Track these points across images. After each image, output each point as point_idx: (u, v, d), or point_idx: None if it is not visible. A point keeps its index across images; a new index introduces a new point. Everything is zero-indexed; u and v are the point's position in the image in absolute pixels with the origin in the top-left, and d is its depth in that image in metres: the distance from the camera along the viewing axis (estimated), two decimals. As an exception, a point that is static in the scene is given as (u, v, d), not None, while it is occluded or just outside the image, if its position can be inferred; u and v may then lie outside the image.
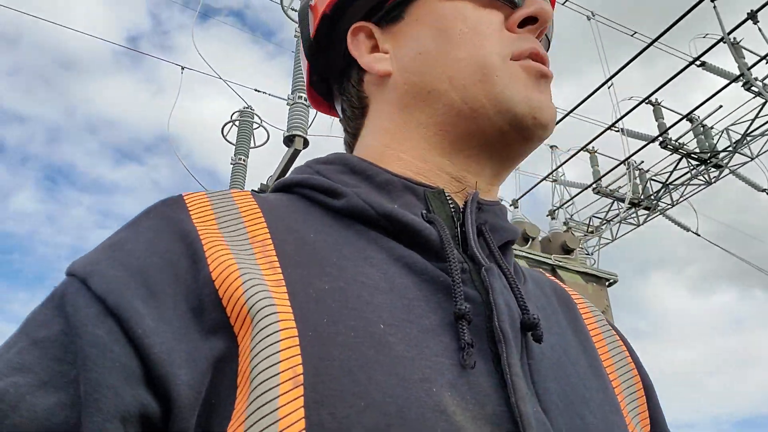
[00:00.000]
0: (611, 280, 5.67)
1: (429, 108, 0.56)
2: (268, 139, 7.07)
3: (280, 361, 0.37)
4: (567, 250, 5.58)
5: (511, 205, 6.79)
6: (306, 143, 5.18)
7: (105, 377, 0.36)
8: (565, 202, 9.25)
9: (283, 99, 5.58)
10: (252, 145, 6.65)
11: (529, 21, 0.57)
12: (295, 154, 5.10)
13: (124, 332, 0.37)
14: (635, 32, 8.83)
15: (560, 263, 5.36)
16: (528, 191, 7.29)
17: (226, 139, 6.67)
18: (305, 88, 0.71)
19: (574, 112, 7.47)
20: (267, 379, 0.37)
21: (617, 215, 8.93)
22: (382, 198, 0.51)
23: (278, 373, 0.37)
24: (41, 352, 0.37)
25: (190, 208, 0.47)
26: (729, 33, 6.54)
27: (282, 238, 0.46)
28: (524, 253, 5.28)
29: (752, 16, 6.26)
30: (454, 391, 0.40)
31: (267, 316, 0.39)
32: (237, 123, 6.67)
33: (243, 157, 6.45)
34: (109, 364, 0.36)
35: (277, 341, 0.38)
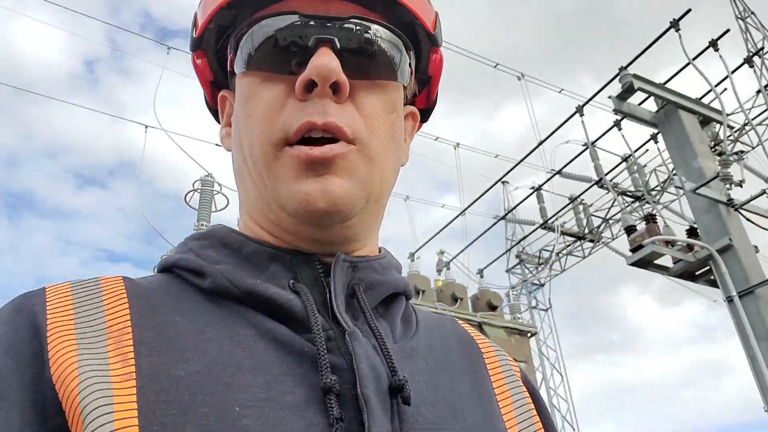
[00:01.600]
0: (532, 332, 6.40)
1: (241, 192, 0.59)
2: (227, 204, 7.59)
3: None
4: (492, 307, 6.28)
5: (408, 258, 7.30)
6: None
7: None
8: (522, 239, 10.01)
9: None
10: (213, 209, 7.20)
11: (315, 84, 0.51)
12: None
13: None
14: (562, 89, 9.57)
15: (485, 320, 6.06)
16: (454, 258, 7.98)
17: (189, 205, 7.23)
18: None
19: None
20: None
21: (564, 248, 9.68)
22: (247, 272, 0.50)
23: None
24: None
25: (48, 301, 0.46)
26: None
27: (142, 326, 0.45)
28: (453, 313, 5.99)
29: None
30: None
31: (100, 416, 0.38)
32: (199, 191, 7.19)
33: (205, 222, 6.98)
34: None
35: None
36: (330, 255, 0.54)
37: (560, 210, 9.91)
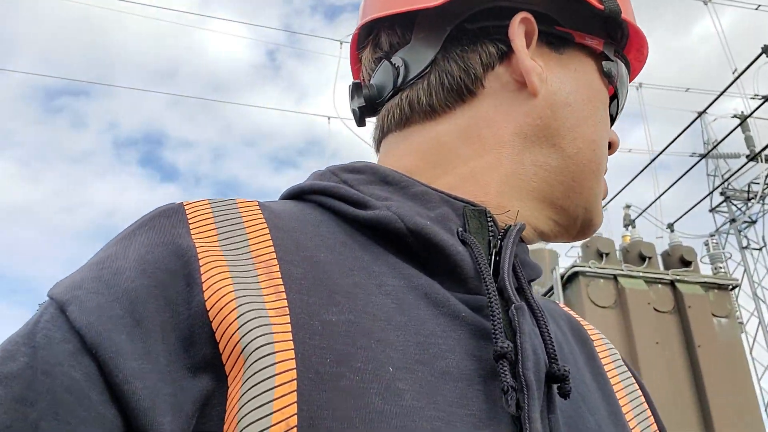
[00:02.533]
0: (733, 284, 6.02)
1: (543, 158, 0.53)
2: None
3: (273, 412, 0.34)
4: (685, 262, 6.02)
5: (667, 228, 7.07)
6: None
7: (80, 428, 0.32)
8: (730, 175, 9.22)
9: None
10: None
11: (611, 146, 0.59)
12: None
13: (103, 376, 0.34)
14: (758, 6, 8.34)
15: (678, 277, 5.86)
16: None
17: None
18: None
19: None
20: None
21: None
22: (416, 209, 0.47)
23: (269, 427, 0.33)
24: (4, 390, 0.33)
25: (190, 220, 0.42)
26: None
27: (288, 259, 0.42)
28: (641, 274, 5.89)
29: None
30: None
31: (262, 357, 0.35)
32: None
33: None
34: (84, 414, 0.33)
35: (272, 388, 0.34)
36: (500, 217, 0.51)
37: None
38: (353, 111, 0.60)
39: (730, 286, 6.01)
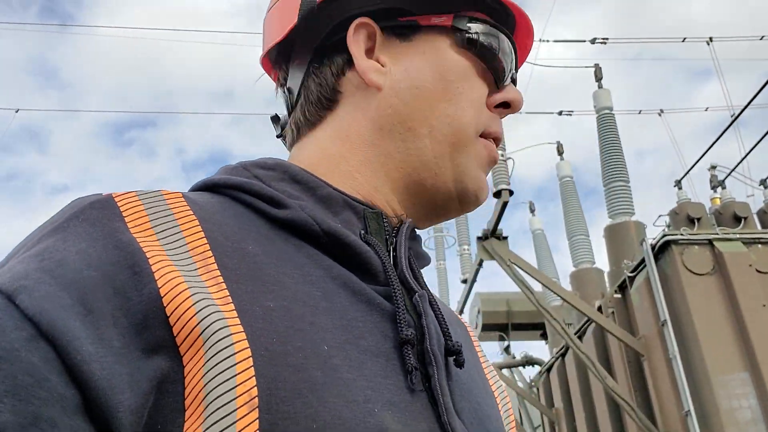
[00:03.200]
0: None
1: (402, 143, 0.57)
2: None
3: (237, 385, 0.37)
4: (786, 219, 5.65)
5: (675, 186, 6.73)
6: (511, 193, 6.24)
7: (42, 410, 0.33)
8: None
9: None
10: None
11: (504, 105, 0.61)
12: (504, 206, 6.20)
13: (61, 359, 0.35)
14: None
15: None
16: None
17: None
18: (268, 41, 0.64)
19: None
20: (224, 404, 0.37)
21: None
22: (325, 213, 0.51)
23: (235, 398, 0.37)
24: None
25: (125, 215, 0.43)
26: None
27: (221, 250, 0.44)
28: (738, 235, 5.58)
29: None
30: (393, 411, 0.43)
31: (222, 338, 0.39)
32: None
33: None
34: (45, 395, 0.34)
35: (233, 364, 0.38)
36: (394, 217, 0.57)
37: None
38: (279, 138, 0.67)
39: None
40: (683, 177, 6.81)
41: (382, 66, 0.58)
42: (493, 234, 6.32)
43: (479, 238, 6.43)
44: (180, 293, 0.39)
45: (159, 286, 0.39)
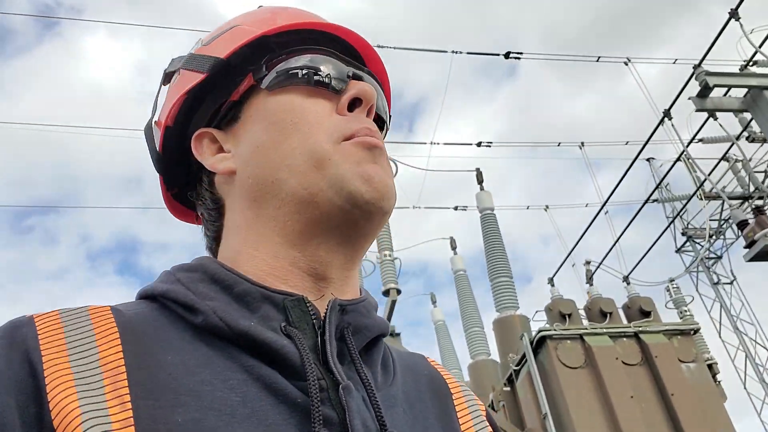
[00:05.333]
0: (695, 329, 6.21)
1: (274, 199, 0.58)
2: (396, 171, 8.21)
3: None
4: (645, 313, 6.22)
5: (548, 283, 7.33)
6: (399, 292, 6.51)
7: None
8: (680, 210, 9.56)
9: (371, 261, 6.95)
10: None
11: (357, 103, 0.61)
12: (393, 304, 6.46)
13: None
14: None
15: (641, 328, 6.04)
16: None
17: None
18: (163, 201, 0.72)
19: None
20: None
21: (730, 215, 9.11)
22: (240, 312, 0.51)
23: None
24: None
25: (40, 334, 0.46)
26: None
27: (136, 364, 0.45)
28: (604, 330, 6.07)
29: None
30: None
31: None
32: None
33: None
34: None
35: None
36: (321, 298, 0.56)
37: (713, 169, 9.38)
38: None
39: (692, 331, 6.18)
40: (554, 275, 7.36)
41: (228, 153, 0.63)
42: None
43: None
44: (71, 422, 0.40)
45: (53, 416, 0.41)
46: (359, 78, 0.64)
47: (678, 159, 9.45)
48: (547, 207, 12.06)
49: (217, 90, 0.64)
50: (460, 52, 10.64)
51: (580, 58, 11.37)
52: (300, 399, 0.48)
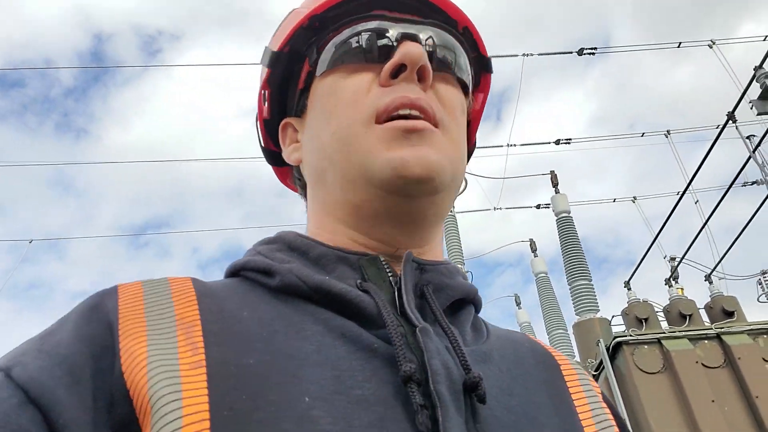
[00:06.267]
0: (781, 328, 5.95)
1: (324, 187, 0.60)
2: (465, 186, 8.38)
3: None
4: (728, 313, 6.04)
5: (624, 287, 7.08)
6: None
7: None
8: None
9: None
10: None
11: (402, 69, 0.56)
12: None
13: (46, 421, 0.39)
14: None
15: (723, 329, 5.88)
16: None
17: None
18: (283, 185, 0.76)
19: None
20: None
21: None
22: (316, 271, 0.52)
23: None
24: None
25: (120, 297, 0.49)
26: None
27: (212, 319, 0.47)
28: (683, 333, 5.95)
29: None
30: None
31: (166, 405, 0.40)
32: None
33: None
34: None
35: (178, 428, 0.39)
36: (397, 257, 0.56)
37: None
38: None
39: (779, 329, 5.95)
40: (630, 278, 7.26)
41: (298, 143, 0.65)
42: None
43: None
44: (137, 368, 0.42)
45: (122, 363, 0.43)
46: (412, 38, 0.57)
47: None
48: (634, 198, 11.71)
49: (294, 78, 0.65)
50: (532, 54, 10.61)
51: (660, 46, 10.94)
52: (377, 345, 0.47)
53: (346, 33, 0.59)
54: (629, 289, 6.91)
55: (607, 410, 0.58)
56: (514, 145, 10.96)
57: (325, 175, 0.59)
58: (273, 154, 0.71)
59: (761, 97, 6.28)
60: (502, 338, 0.59)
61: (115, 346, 0.44)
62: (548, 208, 11.71)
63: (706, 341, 5.91)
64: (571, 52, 10.37)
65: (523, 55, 10.36)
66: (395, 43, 0.57)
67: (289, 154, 0.66)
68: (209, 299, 0.50)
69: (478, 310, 0.60)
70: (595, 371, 6.46)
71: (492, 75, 0.69)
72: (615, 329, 7.05)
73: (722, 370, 5.73)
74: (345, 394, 0.43)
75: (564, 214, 8.40)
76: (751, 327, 5.91)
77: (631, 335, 5.98)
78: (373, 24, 0.59)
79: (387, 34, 0.58)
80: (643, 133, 11.40)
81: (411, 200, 0.54)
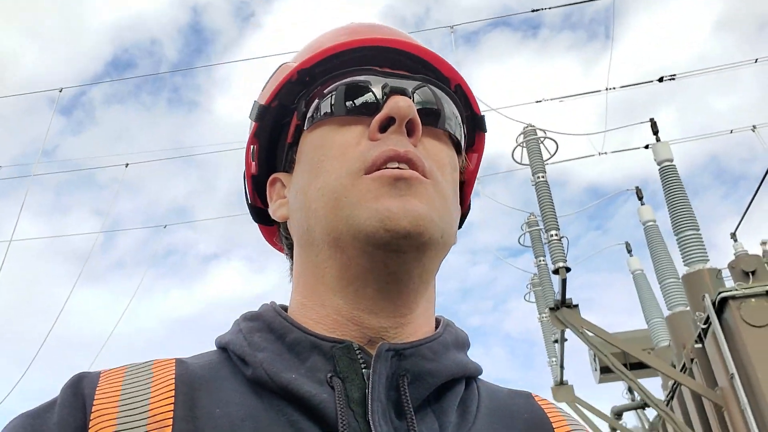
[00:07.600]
0: None
1: (311, 246, 0.57)
2: (557, 148, 7.76)
3: None
4: None
5: (731, 237, 6.62)
6: (568, 270, 6.83)
7: None
8: None
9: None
10: (545, 157, 7.53)
11: (391, 122, 0.55)
12: (564, 282, 6.77)
13: None
14: None
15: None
16: None
17: (518, 162, 7.74)
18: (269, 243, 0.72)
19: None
20: None
21: None
22: (290, 363, 0.51)
23: None
24: None
25: (98, 386, 0.51)
26: None
27: (183, 416, 0.48)
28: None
29: None
30: None
31: None
32: (523, 144, 7.55)
33: (541, 174, 7.34)
34: None
35: None
36: (373, 343, 0.53)
37: None
38: None
39: None
40: (737, 228, 6.97)
41: (284, 198, 0.62)
42: (563, 304, 6.90)
43: (551, 309, 7.00)
44: None
45: None
46: (401, 91, 0.56)
47: None
48: (754, 127, 10.84)
49: (283, 133, 0.64)
50: (614, 89, 10.36)
51: (735, 66, 10.13)
52: None
53: (334, 86, 0.59)
54: (735, 240, 6.66)
55: None
56: (614, 89, 10.58)
57: (312, 233, 0.56)
58: (260, 212, 0.69)
59: None
60: (494, 411, 0.57)
61: None
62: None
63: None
64: (651, 81, 10.17)
65: (606, 89, 10.26)
66: (384, 97, 0.56)
67: (275, 210, 0.64)
68: (187, 389, 0.51)
69: (474, 378, 0.59)
70: (703, 324, 6.38)
71: (486, 134, 0.68)
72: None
73: (840, 321, 5.48)
74: None
75: (666, 163, 8.11)
76: None
77: (737, 289, 5.85)
78: (361, 77, 0.58)
79: (376, 88, 0.57)
80: (732, 130, 10.58)
81: (397, 256, 0.52)
